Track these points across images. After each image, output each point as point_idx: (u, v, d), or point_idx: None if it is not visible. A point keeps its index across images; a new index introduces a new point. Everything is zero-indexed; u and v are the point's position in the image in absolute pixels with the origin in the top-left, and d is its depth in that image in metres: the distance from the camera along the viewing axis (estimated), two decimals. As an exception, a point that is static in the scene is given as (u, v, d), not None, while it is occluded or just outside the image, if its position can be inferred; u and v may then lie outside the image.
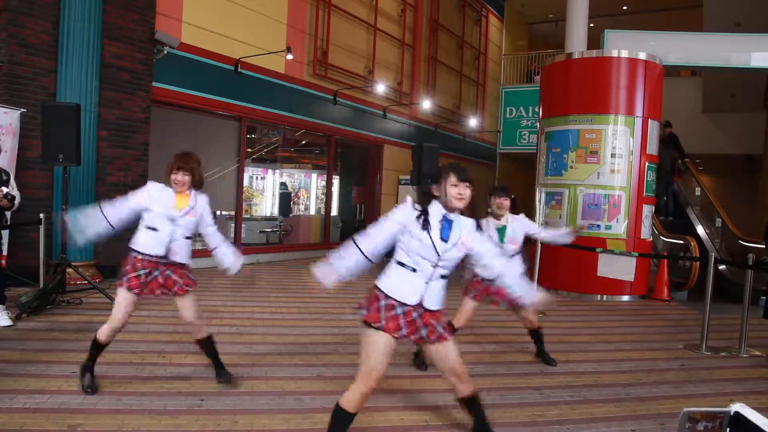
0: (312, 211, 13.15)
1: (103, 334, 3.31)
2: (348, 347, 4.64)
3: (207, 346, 3.59)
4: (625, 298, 8.03)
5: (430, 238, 2.49)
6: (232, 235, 9.54)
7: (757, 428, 1.00)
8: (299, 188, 13.30)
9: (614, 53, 8.17)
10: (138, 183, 7.45)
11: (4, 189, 4.56)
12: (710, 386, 4.17)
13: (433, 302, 2.57)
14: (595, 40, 10.65)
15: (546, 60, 9.66)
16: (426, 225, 2.50)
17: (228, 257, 3.48)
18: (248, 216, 11.20)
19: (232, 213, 9.62)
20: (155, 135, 7.77)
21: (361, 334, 2.59)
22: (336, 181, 12.63)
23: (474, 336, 5.17)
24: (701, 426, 1.01)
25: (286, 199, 12.38)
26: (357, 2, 11.62)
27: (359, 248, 2.53)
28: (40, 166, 6.19)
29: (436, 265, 2.52)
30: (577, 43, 11.23)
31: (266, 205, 12.48)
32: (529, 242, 4.26)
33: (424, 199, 2.59)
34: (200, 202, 3.42)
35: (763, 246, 7.65)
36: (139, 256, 3.32)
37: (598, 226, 7.94)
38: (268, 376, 3.82)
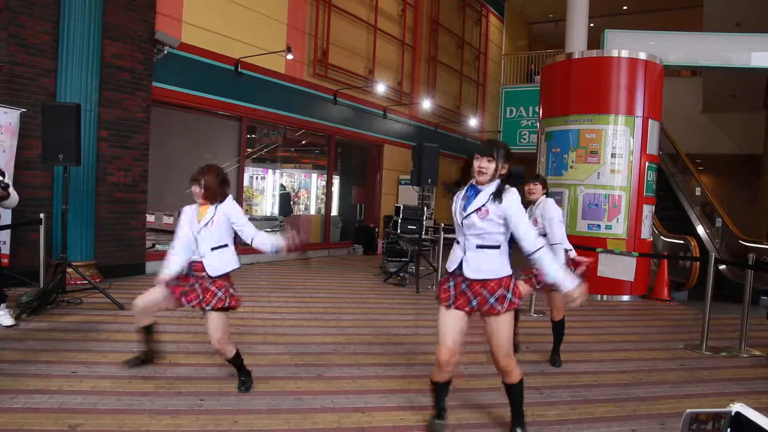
0: (312, 211, 13.16)
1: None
2: (348, 347, 4.64)
3: (233, 362, 3.50)
4: (625, 298, 8.03)
5: (456, 208, 2.73)
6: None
7: (757, 428, 1.00)
8: (299, 188, 13.30)
9: (614, 53, 8.17)
10: (138, 183, 7.46)
11: None
12: (710, 386, 4.16)
13: (474, 272, 2.68)
14: (595, 40, 10.66)
15: (546, 60, 9.65)
16: (457, 198, 2.75)
17: (265, 243, 3.44)
18: (248, 216, 11.19)
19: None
20: (155, 135, 7.77)
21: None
22: (336, 181, 12.63)
23: (473, 336, 5.16)
24: (704, 426, 1.02)
25: (285, 199, 12.38)
26: (357, 2, 11.63)
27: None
28: (40, 166, 6.18)
29: (464, 234, 2.70)
30: (577, 43, 11.22)
31: (266, 205, 12.48)
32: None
33: (463, 176, 2.79)
34: (221, 210, 3.39)
35: (766, 246, 7.65)
36: (184, 271, 3.38)
37: (599, 226, 7.94)
38: (268, 376, 3.82)
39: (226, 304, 3.32)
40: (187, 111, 8.55)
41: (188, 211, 3.43)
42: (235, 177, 9.43)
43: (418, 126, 13.80)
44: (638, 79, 8.03)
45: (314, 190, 13.31)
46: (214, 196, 3.38)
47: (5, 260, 5.74)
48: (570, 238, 5.00)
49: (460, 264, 2.72)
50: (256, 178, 12.39)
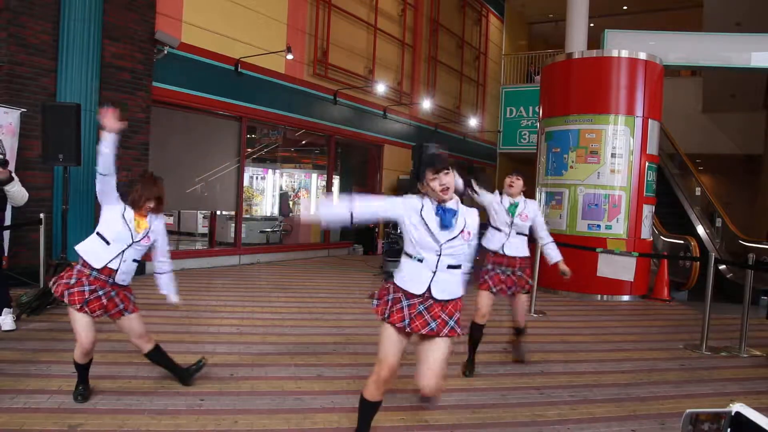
0: (312, 211, 13.14)
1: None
2: (348, 347, 4.64)
3: (155, 358, 3.42)
4: (625, 298, 8.03)
5: (428, 228, 2.51)
6: (232, 235, 9.55)
7: (757, 428, 1.00)
8: (299, 188, 13.30)
9: (614, 53, 8.17)
10: (138, 183, 7.44)
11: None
12: (710, 386, 4.16)
13: (443, 292, 2.54)
14: (595, 40, 10.66)
15: (546, 60, 9.66)
16: (422, 214, 2.54)
17: (163, 283, 3.41)
18: (248, 216, 11.21)
19: (233, 213, 9.63)
20: (155, 135, 7.77)
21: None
22: (336, 181, 12.62)
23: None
24: (704, 427, 1.01)
25: (284, 199, 12.38)
26: (357, 2, 11.63)
27: (351, 205, 2.57)
28: (40, 166, 6.18)
29: (439, 255, 2.52)
30: (577, 43, 11.22)
31: (266, 205, 12.48)
32: (531, 241, 4.26)
33: (411, 191, 2.65)
34: (156, 228, 3.29)
35: (766, 246, 7.66)
36: (86, 270, 3.13)
37: (599, 226, 7.94)
38: (268, 376, 3.82)
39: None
40: (187, 111, 8.55)
41: (121, 211, 3.27)
42: (235, 177, 9.43)
43: (417, 126, 13.80)
44: (638, 79, 8.04)
45: (314, 190, 13.31)
46: (160, 209, 3.30)
47: (5, 261, 5.74)
48: (570, 238, 5.01)
49: (428, 286, 2.53)
50: (256, 178, 12.39)
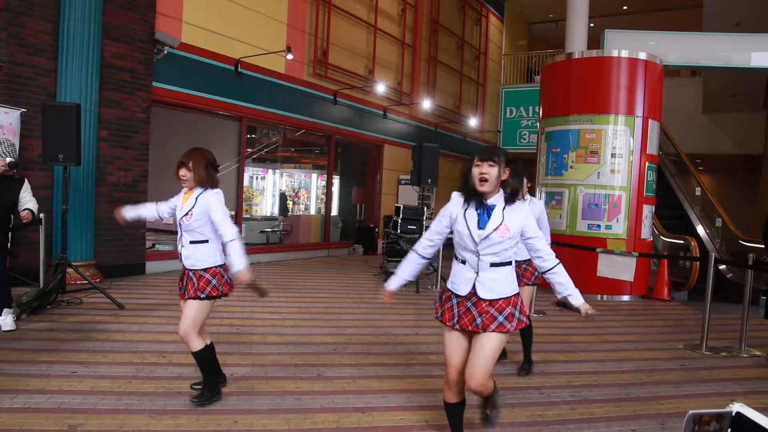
0: (312, 211, 13.16)
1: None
2: (348, 347, 4.64)
3: (198, 358, 3.25)
4: (625, 298, 8.03)
5: (467, 227, 2.50)
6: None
7: (758, 428, 1.00)
8: (299, 188, 13.30)
9: (614, 53, 8.17)
10: (138, 183, 7.46)
11: (28, 205, 4.57)
12: (710, 386, 4.16)
13: (489, 291, 2.51)
14: (595, 40, 10.67)
15: (546, 60, 9.65)
16: (465, 214, 2.54)
17: (234, 256, 3.13)
18: (248, 216, 11.20)
19: (233, 213, 9.63)
20: (155, 135, 7.77)
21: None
22: (336, 181, 12.63)
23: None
24: (706, 427, 1.02)
25: (283, 199, 12.39)
26: (357, 2, 11.62)
27: (418, 254, 2.73)
28: (40, 166, 6.19)
29: (478, 254, 2.50)
30: (577, 43, 11.23)
31: (266, 205, 12.48)
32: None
33: (465, 186, 2.56)
34: (201, 201, 3.15)
35: (763, 246, 7.66)
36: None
37: (599, 226, 7.94)
38: (268, 376, 3.82)
39: (202, 295, 3.13)
40: (187, 111, 8.55)
41: (175, 199, 3.33)
42: (235, 177, 9.43)
43: (417, 126, 13.80)
44: (638, 79, 8.03)
45: (314, 190, 13.31)
46: (201, 181, 3.18)
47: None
48: (570, 238, 4.99)
49: (473, 286, 2.52)
50: (256, 178, 12.39)
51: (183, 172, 3.19)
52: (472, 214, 2.52)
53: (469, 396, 3.34)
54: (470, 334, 2.60)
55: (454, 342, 2.61)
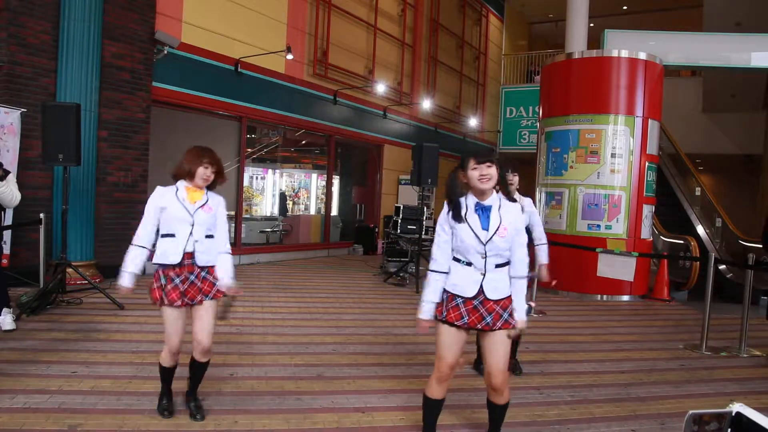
0: (312, 211, 13.16)
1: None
2: (348, 347, 4.64)
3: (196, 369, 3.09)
4: (625, 298, 8.03)
5: (471, 228, 2.53)
6: (232, 235, 9.55)
7: (758, 428, 1.00)
8: (299, 188, 13.30)
9: (614, 53, 8.17)
10: (138, 183, 7.46)
11: None
12: (710, 386, 4.16)
13: (495, 291, 2.56)
14: (595, 40, 10.66)
15: (546, 60, 9.65)
16: (459, 217, 2.55)
17: (224, 269, 3.05)
18: (248, 216, 11.20)
19: (232, 213, 9.62)
20: (155, 135, 7.77)
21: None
22: (336, 181, 12.63)
23: (471, 335, 5.16)
24: (706, 427, 1.02)
25: (282, 199, 12.39)
26: (357, 2, 11.63)
27: (437, 272, 2.64)
28: (40, 166, 6.19)
29: (485, 256, 2.53)
30: (577, 43, 11.22)
31: (266, 205, 12.48)
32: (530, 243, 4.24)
33: (451, 192, 2.60)
34: (214, 200, 3.08)
35: (762, 246, 7.66)
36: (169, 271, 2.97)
37: (599, 226, 7.95)
38: (268, 376, 3.82)
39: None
40: (187, 111, 8.55)
41: (165, 194, 3.03)
42: (235, 177, 9.43)
43: (417, 126, 13.80)
44: (638, 79, 8.03)
45: (314, 190, 13.30)
46: (213, 185, 3.09)
47: (5, 260, 5.74)
48: (570, 238, 4.98)
49: (480, 287, 2.54)
50: (256, 178, 12.38)
51: (209, 173, 3.02)
52: (473, 215, 2.55)
53: (470, 396, 3.34)
54: (468, 332, 2.63)
55: (454, 338, 2.62)
